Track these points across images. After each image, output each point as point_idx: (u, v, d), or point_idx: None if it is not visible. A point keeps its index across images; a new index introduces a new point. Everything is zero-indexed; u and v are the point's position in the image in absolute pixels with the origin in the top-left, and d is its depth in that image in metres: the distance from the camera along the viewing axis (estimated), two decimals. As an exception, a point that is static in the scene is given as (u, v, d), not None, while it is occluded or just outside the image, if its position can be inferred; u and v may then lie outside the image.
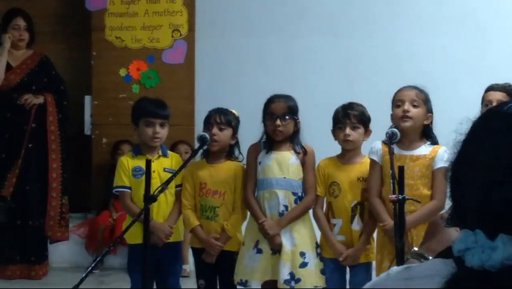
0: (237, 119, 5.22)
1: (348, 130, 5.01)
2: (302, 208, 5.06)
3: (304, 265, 4.97)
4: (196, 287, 5.28)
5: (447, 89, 7.45)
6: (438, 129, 4.91)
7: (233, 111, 5.24)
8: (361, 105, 5.12)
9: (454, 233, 1.64)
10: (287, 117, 5.03)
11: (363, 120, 5.07)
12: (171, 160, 5.25)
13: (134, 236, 4.81)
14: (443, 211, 3.87)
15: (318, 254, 5.07)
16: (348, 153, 5.12)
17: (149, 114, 5.19)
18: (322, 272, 5.07)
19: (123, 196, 5.22)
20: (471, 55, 7.82)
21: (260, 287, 5.07)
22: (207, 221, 5.14)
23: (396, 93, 4.95)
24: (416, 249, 1.81)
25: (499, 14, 7.90)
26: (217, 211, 5.13)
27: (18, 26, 7.24)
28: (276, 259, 4.99)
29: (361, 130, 5.05)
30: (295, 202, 5.03)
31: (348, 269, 5.14)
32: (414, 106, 4.85)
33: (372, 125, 5.12)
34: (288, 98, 5.13)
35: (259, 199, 5.09)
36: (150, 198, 4.36)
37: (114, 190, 5.34)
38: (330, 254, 5.08)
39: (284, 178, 5.04)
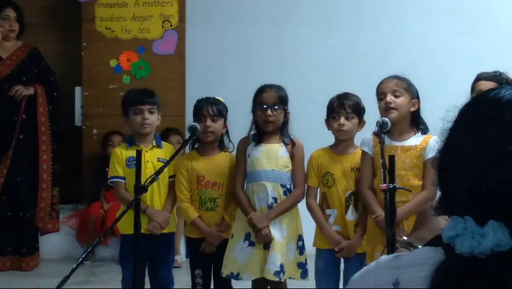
0: (225, 107, 5.22)
1: (342, 120, 4.99)
2: (291, 201, 5.04)
3: (287, 256, 4.98)
4: (187, 277, 5.28)
5: (439, 79, 7.47)
6: (429, 120, 4.90)
7: (220, 98, 5.23)
8: (356, 96, 5.10)
9: (443, 221, 1.64)
10: (277, 107, 5.02)
11: (358, 110, 5.05)
12: (165, 150, 5.24)
13: (127, 226, 4.78)
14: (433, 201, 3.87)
15: (299, 247, 5.06)
16: (342, 143, 5.10)
17: (136, 102, 5.20)
18: (299, 265, 5.05)
19: (117, 186, 5.22)
20: (462, 45, 7.84)
21: (251, 283, 5.07)
22: (207, 212, 5.13)
23: (377, 86, 4.95)
24: (405, 238, 1.81)
25: (489, 5, 7.91)
26: (217, 201, 5.13)
27: (8, 17, 7.22)
28: (265, 254, 4.96)
29: (355, 120, 5.03)
30: (284, 194, 5.02)
31: (342, 260, 5.13)
32: (396, 96, 4.84)
33: (364, 116, 5.12)
34: (278, 88, 5.11)
35: (248, 192, 5.07)
36: (140, 188, 4.36)
37: (108, 181, 5.35)
38: (325, 244, 5.07)
39: (273, 170, 5.02)
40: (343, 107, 5.00)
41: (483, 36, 7.85)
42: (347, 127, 5.00)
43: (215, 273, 5.16)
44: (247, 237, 5.01)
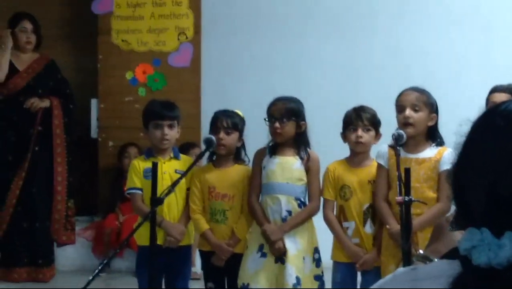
0: (242, 121, 5.23)
1: (360, 132, 5.01)
2: (305, 214, 5.05)
3: (304, 269, 4.98)
4: (204, 289, 5.29)
5: (454, 89, 7.46)
6: (444, 130, 4.90)
7: (238, 112, 5.25)
8: (372, 109, 5.12)
9: (459, 235, 1.64)
10: (285, 119, 5.03)
11: (375, 123, 5.07)
12: (183, 162, 5.25)
13: (144, 237, 4.80)
14: (448, 214, 3.87)
15: (315, 260, 5.06)
16: (358, 156, 5.11)
17: (156, 116, 5.21)
18: (316, 278, 5.05)
19: (134, 198, 5.24)
20: (478, 55, 7.81)
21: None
22: (217, 224, 5.14)
23: (397, 98, 4.94)
24: (421, 251, 1.81)
25: (506, 14, 7.89)
26: (226, 214, 5.13)
27: (25, 29, 7.26)
28: (280, 268, 4.98)
29: (372, 133, 5.05)
30: (299, 206, 5.02)
31: (359, 273, 5.12)
32: (415, 110, 4.84)
33: (380, 128, 5.12)
34: (289, 100, 5.12)
35: (263, 204, 5.08)
36: (156, 201, 4.38)
37: (126, 192, 5.39)
38: (343, 257, 5.07)
39: (287, 183, 5.03)
40: (360, 120, 5.02)
41: (500, 46, 7.82)
42: (365, 139, 5.02)
43: (229, 286, 5.17)
44: (260, 248, 5.02)
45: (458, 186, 1.41)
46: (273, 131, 5.05)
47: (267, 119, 5.09)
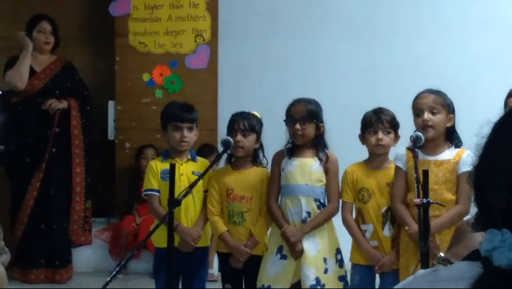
0: (260, 122, 5.22)
1: (380, 135, 5.00)
2: (325, 215, 5.04)
3: (326, 271, 4.97)
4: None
5: (471, 92, 7.42)
6: (463, 134, 4.87)
7: (256, 113, 5.24)
8: (391, 111, 5.11)
9: (480, 238, 1.64)
10: (305, 121, 5.02)
11: (394, 125, 5.05)
12: (200, 164, 5.26)
13: (161, 239, 4.81)
14: (468, 217, 3.85)
15: (338, 261, 5.06)
16: (376, 158, 5.09)
17: (176, 118, 5.22)
18: (340, 278, 5.05)
19: (151, 199, 5.24)
20: (495, 58, 7.77)
21: None
22: (235, 226, 5.14)
23: (414, 101, 4.91)
24: (442, 254, 1.80)
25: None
26: (244, 216, 5.13)
27: (44, 30, 7.28)
28: (299, 262, 4.98)
29: (392, 135, 5.03)
30: (318, 208, 5.02)
31: (377, 275, 5.11)
32: (433, 113, 4.82)
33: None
34: (309, 102, 5.11)
35: (282, 206, 5.08)
36: (174, 202, 4.38)
37: (143, 193, 5.40)
38: (361, 259, 5.06)
39: (306, 184, 5.03)
40: (380, 122, 5.00)
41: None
42: (385, 142, 5.01)
43: (247, 288, 5.17)
44: (279, 250, 5.02)
45: (479, 187, 1.40)
46: (293, 133, 5.04)
47: (286, 120, 5.09)
